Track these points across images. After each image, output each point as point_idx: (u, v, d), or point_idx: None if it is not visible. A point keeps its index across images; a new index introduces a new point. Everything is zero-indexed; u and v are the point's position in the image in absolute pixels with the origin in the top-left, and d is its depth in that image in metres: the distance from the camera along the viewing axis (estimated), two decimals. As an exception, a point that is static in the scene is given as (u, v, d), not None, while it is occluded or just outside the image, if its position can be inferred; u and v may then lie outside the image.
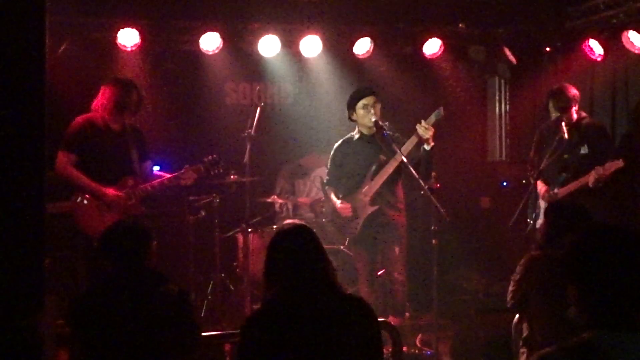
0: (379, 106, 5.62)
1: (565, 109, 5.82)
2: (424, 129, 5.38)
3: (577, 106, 5.92)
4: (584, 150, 5.82)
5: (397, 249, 5.59)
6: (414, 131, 5.49)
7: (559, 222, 3.86)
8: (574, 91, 5.93)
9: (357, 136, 5.78)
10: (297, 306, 2.81)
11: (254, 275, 5.96)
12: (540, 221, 5.75)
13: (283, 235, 3.00)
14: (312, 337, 2.77)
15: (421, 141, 5.44)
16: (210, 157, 5.80)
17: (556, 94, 5.91)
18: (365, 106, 5.61)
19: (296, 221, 6.61)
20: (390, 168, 5.57)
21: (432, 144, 5.42)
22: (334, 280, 2.92)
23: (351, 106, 5.69)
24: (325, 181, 6.04)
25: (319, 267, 2.89)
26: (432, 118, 5.51)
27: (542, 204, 5.78)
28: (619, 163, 5.47)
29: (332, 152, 5.91)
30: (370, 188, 5.62)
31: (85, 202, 5.40)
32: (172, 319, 3.32)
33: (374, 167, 5.65)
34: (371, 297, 5.68)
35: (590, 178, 5.54)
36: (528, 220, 5.96)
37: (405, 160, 5.34)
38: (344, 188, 5.79)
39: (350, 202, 5.70)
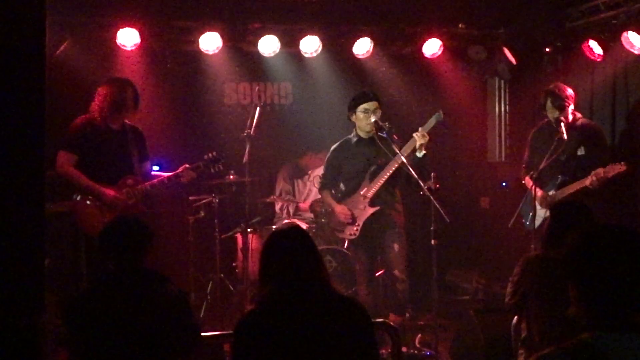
0: (379, 112, 5.60)
1: (563, 108, 5.83)
2: (421, 136, 5.40)
3: (573, 106, 5.94)
4: (580, 151, 5.84)
5: (396, 247, 5.58)
6: (412, 133, 5.50)
7: (561, 222, 3.86)
8: (570, 91, 5.95)
9: (354, 139, 5.77)
10: (290, 306, 2.82)
11: (253, 276, 5.95)
12: (538, 222, 5.76)
13: (277, 236, 3.03)
14: (305, 337, 2.78)
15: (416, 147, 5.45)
16: (210, 155, 5.80)
17: (554, 92, 5.91)
18: (366, 110, 5.61)
19: (294, 221, 6.62)
20: (390, 169, 5.57)
21: (425, 152, 5.41)
22: (328, 281, 2.93)
23: (352, 108, 5.69)
24: (319, 185, 6.03)
25: (312, 268, 2.90)
26: (432, 121, 5.52)
27: (539, 207, 5.78)
28: (622, 167, 5.46)
29: (328, 155, 5.91)
30: (369, 189, 5.62)
31: (85, 201, 5.41)
32: (171, 320, 3.32)
33: (372, 169, 5.65)
34: (370, 297, 5.69)
35: (588, 180, 5.54)
36: (523, 221, 5.96)
37: (405, 161, 5.34)
38: (341, 190, 5.79)
39: (348, 205, 5.70)
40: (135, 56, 6.69)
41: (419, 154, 5.42)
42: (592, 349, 1.99)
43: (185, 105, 7.37)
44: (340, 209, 5.69)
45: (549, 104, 5.91)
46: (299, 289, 2.85)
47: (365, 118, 5.61)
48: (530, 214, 5.84)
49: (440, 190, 5.29)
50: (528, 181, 6.07)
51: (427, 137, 5.44)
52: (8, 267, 2.51)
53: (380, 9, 6.89)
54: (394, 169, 5.55)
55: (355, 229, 5.64)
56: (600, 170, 5.50)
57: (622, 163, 5.48)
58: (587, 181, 5.56)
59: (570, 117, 5.90)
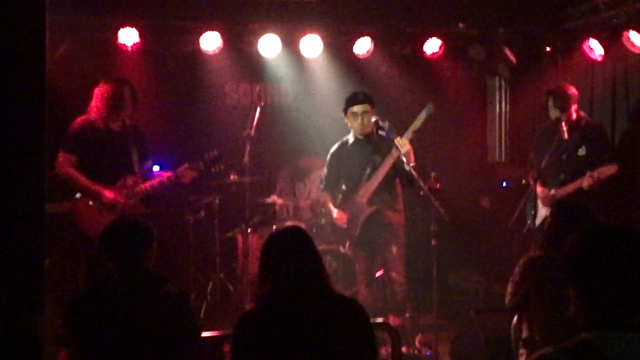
0: (369, 116, 5.57)
1: (564, 108, 5.83)
2: (402, 144, 5.35)
3: (576, 105, 5.94)
4: (581, 151, 5.84)
5: (394, 249, 5.58)
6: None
7: (562, 222, 3.86)
8: (573, 90, 5.95)
9: (351, 139, 5.78)
10: (289, 306, 2.82)
11: (253, 276, 5.95)
12: (538, 221, 5.76)
13: (277, 236, 3.04)
14: (304, 337, 2.78)
15: (400, 157, 5.37)
16: (211, 154, 5.79)
17: (556, 92, 5.92)
18: (354, 114, 5.62)
19: (296, 223, 6.61)
20: (385, 168, 5.56)
21: (413, 164, 5.32)
22: (327, 281, 2.93)
23: (344, 109, 5.71)
24: (321, 188, 6.03)
25: (311, 268, 2.90)
26: (423, 115, 5.50)
27: (541, 206, 5.78)
28: (613, 169, 5.48)
29: (328, 157, 5.92)
30: (367, 190, 5.62)
31: (85, 202, 5.41)
32: (171, 320, 3.31)
33: (369, 169, 5.65)
34: (370, 298, 5.69)
35: (585, 182, 5.55)
36: (528, 221, 5.96)
37: (403, 159, 5.32)
38: (341, 192, 5.79)
39: (348, 206, 5.70)
40: (136, 56, 6.69)
41: (406, 167, 5.31)
42: (592, 348, 1.99)
43: (185, 106, 7.36)
44: (338, 216, 5.70)
45: (550, 103, 5.92)
46: (298, 289, 2.85)
47: (354, 120, 5.63)
48: (532, 212, 5.84)
49: (441, 190, 5.28)
50: (531, 180, 6.08)
51: (409, 146, 5.39)
52: (8, 267, 2.51)
53: (380, 9, 6.89)
54: (388, 166, 5.54)
55: (355, 227, 5.64)
56: (594, 172, 5.51)
57: (614, 165, 5.49)
58: (585, 183, 5.56)
59: (574, 116, 5.89)
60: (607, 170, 5.49)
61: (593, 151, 5.84)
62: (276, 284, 2.86)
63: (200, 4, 6.60)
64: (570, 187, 5.69)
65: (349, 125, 5.74)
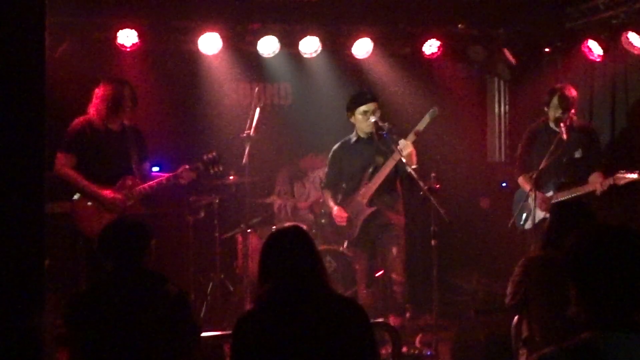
0: (379, 113, 5.60)
1: (567, 109, 5.83)
2: (405, 146, 5.35)
3: (575, 108, 5.95)
4: (578, 153, 5.84)
5: (394, 250, 5.59)
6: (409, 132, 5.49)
7: (562, 222, 3.86)
8: (574, 92, 5.95)
9: (354, 139, 5.79)
10: (287, 306, 2.82)
11: (253, 276, 5.95)
12: (537, 221, 5.74)
13: (277, 235, 3.04)
14: (304, 337, 2.78)
15: (402, 159, 5.37)
16: (209, 156, 5.79)
17: (562, 92, 5.87)
18: (365, 113, 5.62)
19: (296, 223, 6.61)
20: (387, 169, 5.57)
21: (415, 165, 5.34)
22: (326, 281, 2.93)
23: (350, 109, 5.70)
24: (322, 184, 6.05)
25: (311, 268, 2.90)
26: (427, 118, 5.52)
27: (538, 209, 5.76)
28: (635, 176, 5.42)
29: (330, 155, 5.93)
30: (368, 190, 5.62)
31: (84, 202, 5.40)
32: (171, 320, 3.32)
33: (370, 169, 5.66)
34: (370, 298, 5.70)
35: (598, 187, 5.51)
36: (520, 222, 5.92)
37: (404, 160, 5.33)
38: (342, 190, 5.79)
39: (348, 205, 5.71)
40: (135, 57, 6.69)
41: (408, 168, 5.33)
42: (593, 348, 1.99)
43: (184, 106, 7.36)
44: (337, 212, 5.70)
45: (555, 101, 5.87)
46: (297, 289, 2.85)
47: (364, 120, 5.63)
48: (525, 213, 5.83)
49: (440, 190, 5.28)
50: (522, 181, 6.02)
51: (411, 148, 5.40)
52: (8, 267, 2.51)
53: (380, 9, 6.88)
54: (390, 168, 5.55)
55: (354, 227, 5.64)
56: (610, 178, 5.46)
57: (636, 172, 5.40)
58: (598, 187, 5.51)
59: (568, 120, 5.89)
60: (628, 176, 5.43)
61: (588, 154, 5.84)
62: (276, 283, 2.86)
63: (200, 4, 6.60)
64: (578, 191, 5.64)
65: (356, 124, 5.73)
